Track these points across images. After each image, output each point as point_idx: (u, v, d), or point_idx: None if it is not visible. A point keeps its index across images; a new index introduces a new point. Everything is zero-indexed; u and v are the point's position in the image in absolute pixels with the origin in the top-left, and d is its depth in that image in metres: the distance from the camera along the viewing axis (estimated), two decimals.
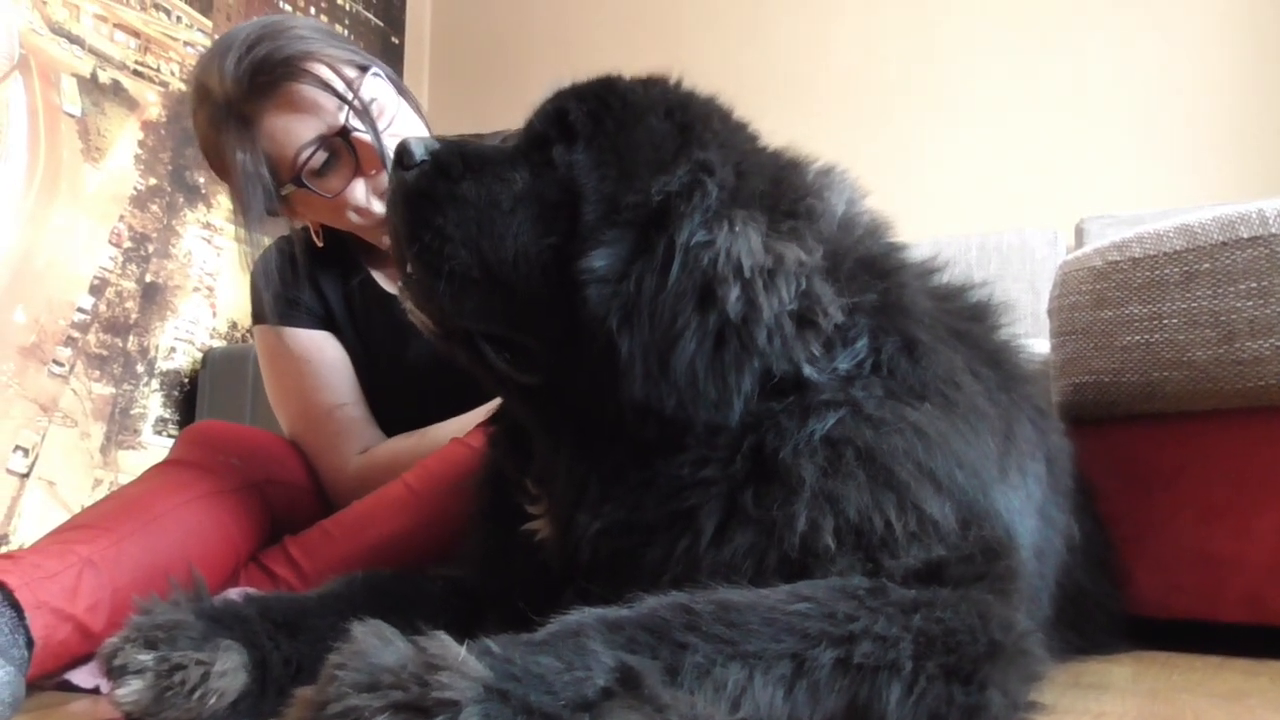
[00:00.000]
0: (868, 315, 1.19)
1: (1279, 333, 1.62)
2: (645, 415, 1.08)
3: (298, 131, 1.70)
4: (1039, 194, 4.14)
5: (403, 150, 1.19)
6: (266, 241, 1.88)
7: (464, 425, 1.75)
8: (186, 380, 4.17)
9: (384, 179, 1.74)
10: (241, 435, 1.80)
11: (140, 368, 4.01)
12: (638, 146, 1.16)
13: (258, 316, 1.98)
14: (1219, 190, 3.61)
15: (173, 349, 4.13)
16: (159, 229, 4.09)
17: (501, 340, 1.18)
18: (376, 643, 0.78)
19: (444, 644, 0.78)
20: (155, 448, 3.99)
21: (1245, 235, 1.66)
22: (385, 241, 1.91)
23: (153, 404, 4.05)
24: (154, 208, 4.07)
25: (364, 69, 1.76)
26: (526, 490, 1.26)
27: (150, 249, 4.05)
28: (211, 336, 4.29)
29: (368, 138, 1.72)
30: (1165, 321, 1.72)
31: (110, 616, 1.38)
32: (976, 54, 4.32)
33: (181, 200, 4.19)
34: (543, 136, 1.20)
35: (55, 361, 3.68)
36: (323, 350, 1.93)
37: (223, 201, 4.37)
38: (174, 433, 4.11)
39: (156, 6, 4.11)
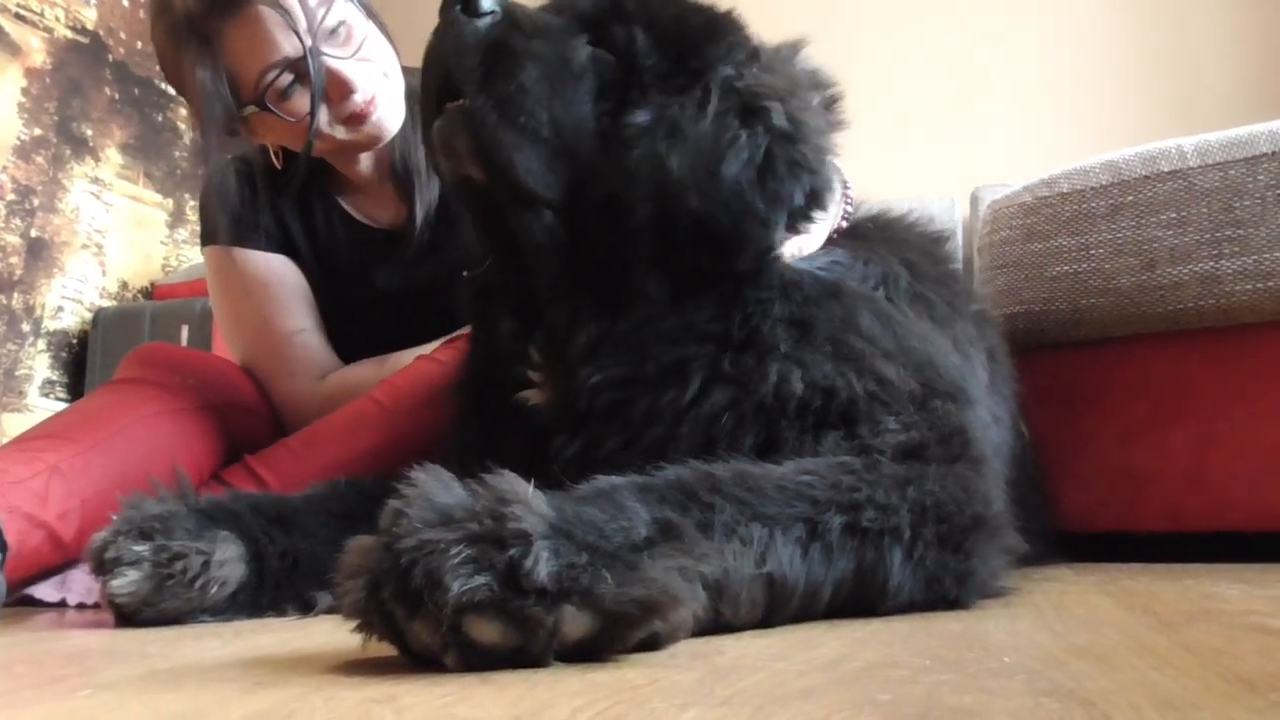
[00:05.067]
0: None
1: (1196, 259, 1.75)
2: (701, 235, 1.17)
3: (261, 53, 1.64)
4: (936, 163, 4.30)
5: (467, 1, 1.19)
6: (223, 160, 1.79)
7: (430, 349, 1.73)
8: (75, 341, 3.99)
9: (348, 105, 1.71)
10: (194, 357, 1.74)
11: (26, 327, 3.82)
12: (687, 35, 1.26)
13: (210, 238, 1.91)
14: None
15: (60, 308, 3.95)
16: (44, 182, 3.90)
17: (531, 201, 1.20)
18: (439, 485, 0.78)
19: (513, 480, 0.78)
20: (42, 410, 3.80)
21: (1166, 169, 1.78)
22: (354, 166, 1.88)
23: (39, 365, 3.86)
24: (39, 159, 3.88)
25: None
26: (526, 359, 1.28)
27: (35, 202, 3.86)
28: (101, 296, 4.11)
29: (334, 63, 1.67)
30: (1092, 252, 1.83)
31: (80, 526, 1.33)
32: (878, 28, 4.46)
33: (69, 153, 4.00)
34: (595, 17, 1.26)
35: None
36: (282, 274, 1.87)
37: (112, 156, 4.19)
38: (62, 395, 3.93)
39: None
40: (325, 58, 1.66)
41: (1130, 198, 1.80)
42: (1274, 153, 1.68)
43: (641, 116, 1.19)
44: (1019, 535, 1.20)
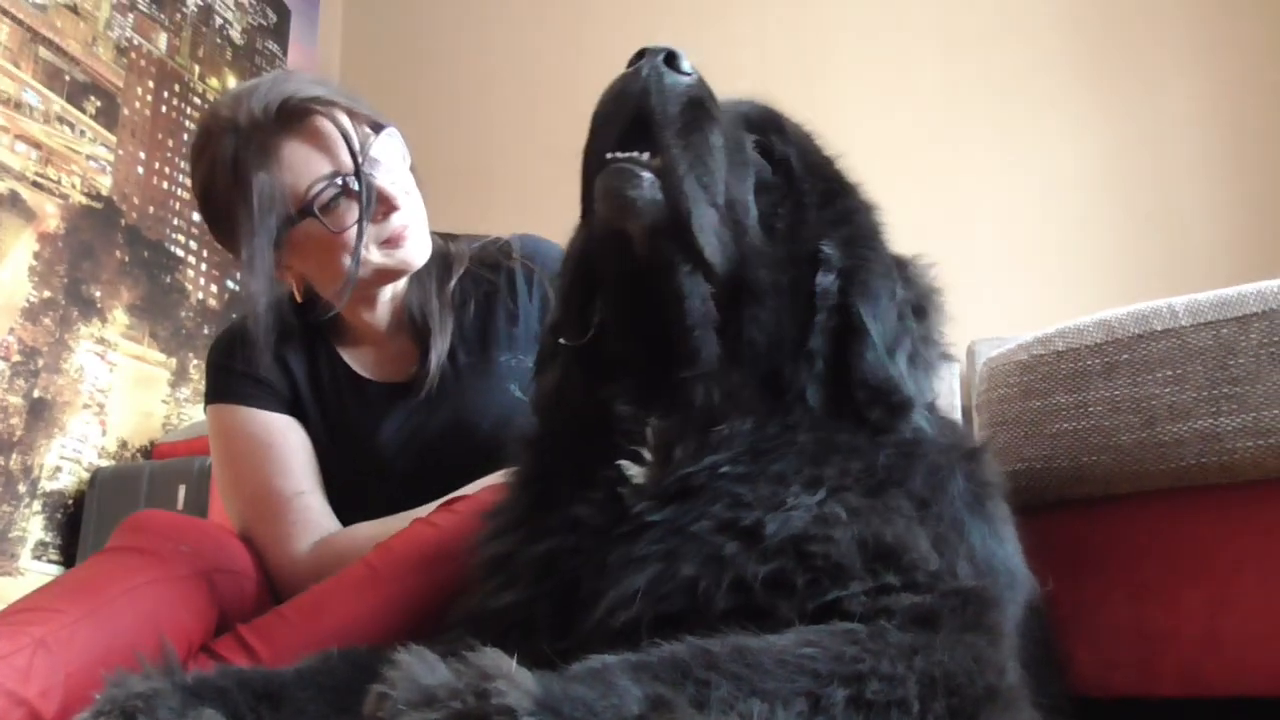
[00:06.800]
0: None
1: (1196, 416, 1.74)
2: (876, 395, 1.30)
3: (315, 163, 1.74)
4: None
5: (672, 54, 1.24)
6: (263, 280, 1.80)
7: (427, 513, 1.71)
8: (71, 502, 3.96)
9: (389, 226, 1.80)
10: (186, 524, 1.72)
11: (22, 488, 3.79)
12: (832, 177, 1.46)
13: (215, 396, 1.92)
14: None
15: (58, 468, 3.93)
16: (50, 343, 3.94)
17: (698, 262, 1.24)
18: (423, 665, 0.77)
19: (496, 655, 0.77)
20: (34, 574, 3.74)
21: (1159, 328, 1.79)
22: (370, 314, 1.93)
23: (33, 527, 3.82)
24: (46, 321, 3.94)
25: (379, 128, 1.84)
26: (636, 435, 1.27)
27: (40, 363, 3.89)
28: (100, 456, 4.10)
29: (379, 181, 1.78)
30: (1090, 409, 1.83)
31: (63, 702, 1.29)
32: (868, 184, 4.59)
33: (76, 314, 4.06)
34: (759, 123, 1.39)
35: None
36: (285, 435, 1.88)
37: (119, 316, 4.25)
38: (55, 558, 3.87)
39: (60, 120, 4.06)
40: (372, 177, 1.77)
41: (1125, 356, 1.81)
42: (1264, 312, 1.70)
43: (828, 249, 1.33)
44: (1034, 710, 1.16)
